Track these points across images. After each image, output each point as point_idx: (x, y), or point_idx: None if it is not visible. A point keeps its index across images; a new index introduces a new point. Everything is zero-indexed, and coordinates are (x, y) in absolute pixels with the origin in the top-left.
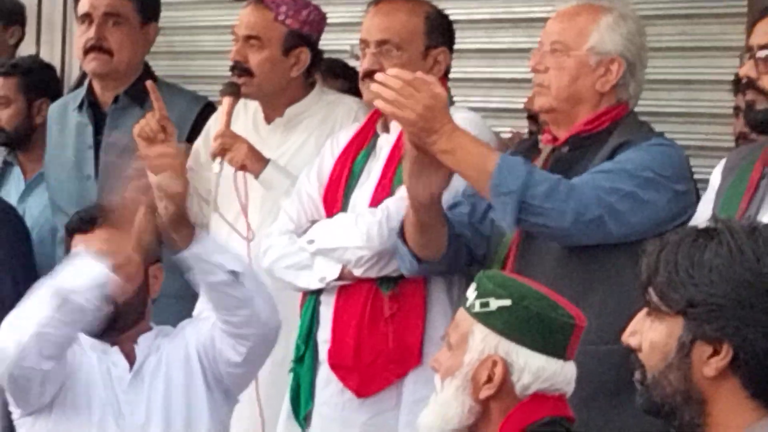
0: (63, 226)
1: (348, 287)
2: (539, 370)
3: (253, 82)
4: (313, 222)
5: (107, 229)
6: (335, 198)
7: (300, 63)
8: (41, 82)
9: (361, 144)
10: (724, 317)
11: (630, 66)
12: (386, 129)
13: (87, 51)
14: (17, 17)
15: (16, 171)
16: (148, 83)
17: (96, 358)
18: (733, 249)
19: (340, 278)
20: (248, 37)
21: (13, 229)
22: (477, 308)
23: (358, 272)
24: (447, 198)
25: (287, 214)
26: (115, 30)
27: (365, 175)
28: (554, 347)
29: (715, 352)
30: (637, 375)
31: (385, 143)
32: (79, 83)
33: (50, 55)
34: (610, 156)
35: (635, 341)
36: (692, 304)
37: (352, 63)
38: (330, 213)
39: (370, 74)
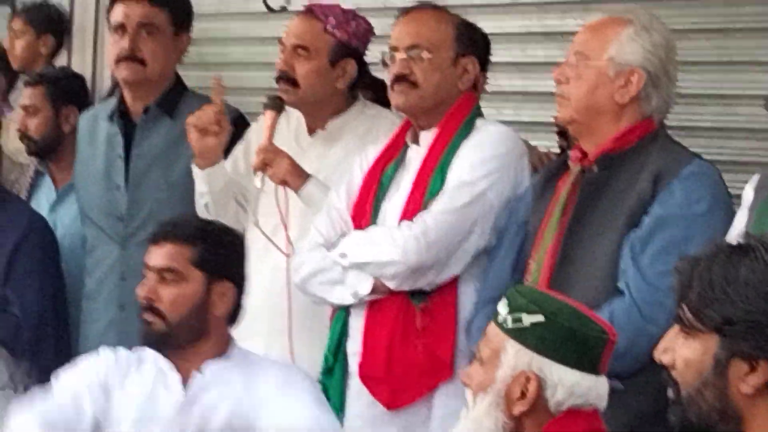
0: (92, 235)
1: (379, 299)
2: (573, 386)
3: (297, 92)
4: (343, 235)
5: (173, 244)
6: (363, 210)
7: (346, 75)
8: (69, 90)
9: (391, 156)
10: (762, 334)
11: (652, 78)
12: (416, 140)
13: (119, 60)
14: (52, 26)
15: (47, 180)
16: (214, 77)
17: (153, 375)
18: None
19: (372, 292)
20: (296, 47)
21: (42, 239)
22: (509, 324)
23: (392, 285)
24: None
25: (317, 229)
26: (149, 40)
27: (394, 187)
28: (588, 362)
29: (752, 369)
30: (671, 392)
31: (415, 155)
32: (110, 93)
33: (81, 64)
34: (653, 188)
35: (668, 358)
36: (728, 321)
37: (376, 73)
38: (358, 225)
39: (399, 79)
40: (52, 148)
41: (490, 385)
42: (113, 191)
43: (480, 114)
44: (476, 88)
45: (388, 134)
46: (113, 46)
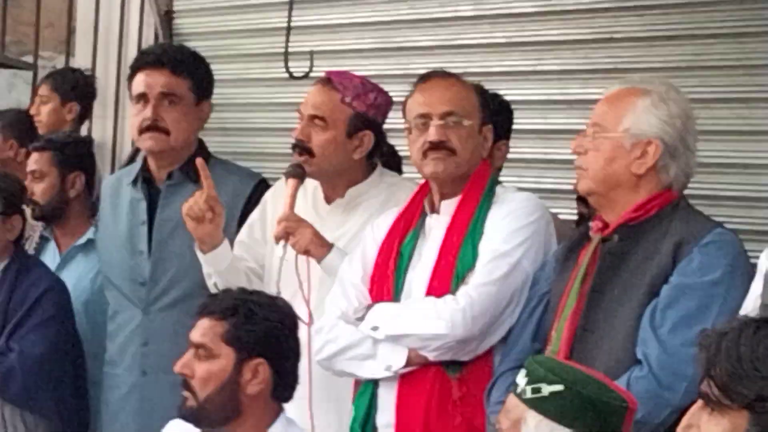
0: (114, 300)
1: (412, 371)
2: None
3: (313, 162)
4: (368, 307)
5: (208, 319)
6: (384, 282)
7: (363, 146)
8: (76, 156)
9: (408, 225)
10: None
11: (669, 149)
12: (434, 209)
13: (143, 130)
14: (78, 93)
15: (52, 245)
16: (198, 161)
17: None
18: None
19: (406, 364)
20: (313, 117)
21: (57, 298)
22: (528, 394)
23: (432, 357)
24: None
25: (333, 304)
26: (171, 109)
27: (416, 257)
28: (607, 431)
29: None
30: None
31: (436, 223)
32: (130, 160)
33: (102, 131)
34: (673, 257)
35: None
36: (762, 398)
37: (389, 138)
38: (379, 297)
39: (436, 146)
40: (57, 213)
41: None
42: (136, 256)
43: (498, 181)
44: (491, 155)
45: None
46: (136, 116)
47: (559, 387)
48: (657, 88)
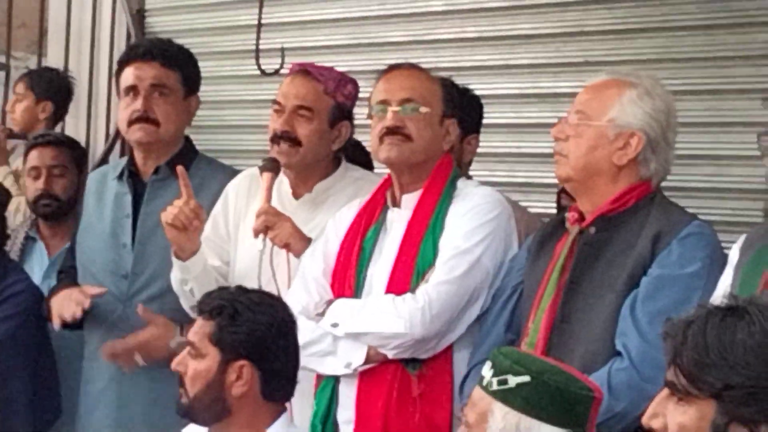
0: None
1: (372, 367)
2: None
3: (299, 152)
4: (329, 303)
5: (201, 318)
6: (345, 277)
7: (341, 137)
8: (84, 157)
9: (370, 219)
10: (764, 398)
11: (651, 143)
12: (395, 203)
13: (132, 122)
14: (52, 93)
15: (39, 246)
16: (179, 169)
17: None
18: (765, 328)
19: (366, 362)
20: (299, 107)
21: (26, 301)
22: (495, 386)
23: (391, 355)
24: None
25: (294, 299)
26: (161, 101)
27: (377, 252)
28: (575, 421)
29: None
30: None
31: (396, 218)
32: (103, 159)
33: (74, 130)
34: (652, 249)
35: (658, 423)
36: (729, 386)
37: (363, 134)
38: (341, 293)
39: (392, 131)
40: (67, 211)
41: None
42: (119, 250)
43: (460, 175)
44: (453, 149)
45: None
46: (124, 109)
47: (525, 378)
48: (644, 81)
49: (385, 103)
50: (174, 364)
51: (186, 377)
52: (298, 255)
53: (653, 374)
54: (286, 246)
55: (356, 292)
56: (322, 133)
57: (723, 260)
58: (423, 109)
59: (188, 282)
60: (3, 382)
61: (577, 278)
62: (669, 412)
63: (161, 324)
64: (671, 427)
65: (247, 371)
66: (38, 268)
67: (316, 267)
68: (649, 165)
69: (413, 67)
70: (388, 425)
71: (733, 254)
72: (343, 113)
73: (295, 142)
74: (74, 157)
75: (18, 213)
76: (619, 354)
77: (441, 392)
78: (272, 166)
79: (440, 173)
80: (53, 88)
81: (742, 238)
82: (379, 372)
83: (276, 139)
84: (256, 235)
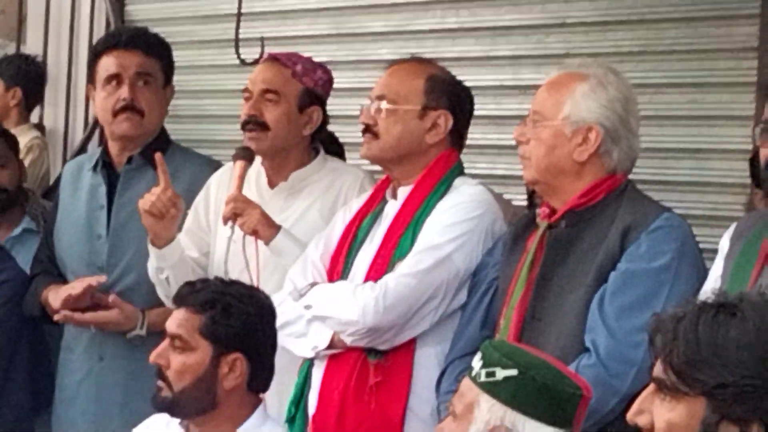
0: None
1: (339, 353)
2: None
3: (267, 136)
4: (311, 285)
5: (185, 310)
6: (336, 263)
7: (312, 122)
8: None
9: (368, 210)
10: (757, 397)
11: (610, 133)
12: (394, 195)
13: (118, 112)
14: (22, 80)
15: None
16: (157, 156)
17: None
18: (759, 326)
19: (330, 347)
20: (265, 91)
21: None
22: (483, 378)
23: (348, 342)
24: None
25: (290, 278)
26: (146, 90)
27: (368, 241)
28: (560, 418)
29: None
30: None
31: (391, 209)
32: (82, 147)
33: (54, 118)
34: (621, 243)
35: (644, 420)
36: (722, 385)
37: (342, 126)
38: (331, 277)
39: (365, 129)
40: (13, 203)
41: None
42: (94, 241)
43: (461, 172)
44: (463, 141)
45: (353, 188)
46: (107, 98)
47: (512, 372)
48: (595, 71)
49: (369, 98)
50: (153, 357)
51: (169, 371)
52: (267, 242)
53: (621, 370)
54: (255, 233)
55: (342, 278)
56: (290, 117)
57: (695, 253)
58: (383, 105)
59: (164, 270)
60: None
61: (547, 273)
62: (655, 408)
63: (126, 313)
64: (658, 425)
65: (240, 364)
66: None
67: (316, 252)
68: (611, 155)
69: (409, 61)
70: (344, 411)
71: (723, 244)
72: (312, 98)
73: (263, 126)
74: (11, 146)
75: None
76: (587, 350)
77: (397, 384)
78: (245, 155)
79: (436, 168)
80: (21, 74)
81: (732, 227)
82: (343, 358)
83: (245, 125)
84: (225, 222)
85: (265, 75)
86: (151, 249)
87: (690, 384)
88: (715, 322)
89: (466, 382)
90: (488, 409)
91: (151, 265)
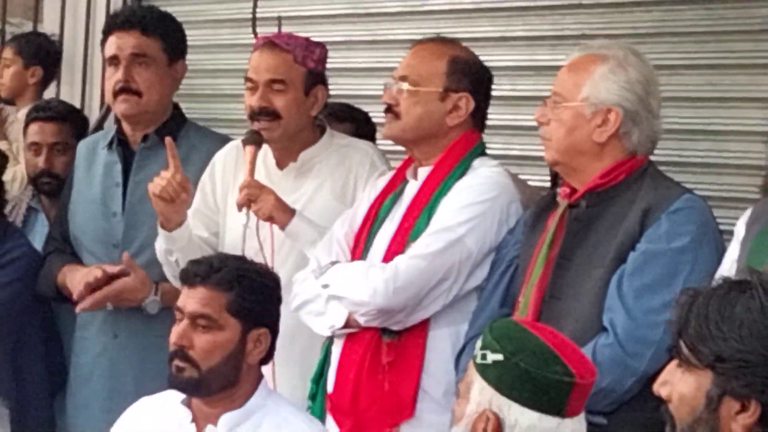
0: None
1: (356, 332)
2: (530, 428)
3: (280, 124)
4: (332, 263)
5: (207, 289)
6: (359, 241)
7: (318, 101)
8: (86, 127)
9: (390, 189)
10: (753, 373)
11: (630, 115)
12: (415, 176)
13: (117, 93)
14: (41, 57)
15: (41, 218)
16: (167, 140)
17: (168, 422)
18: (764, 304)
19: (345, 326)
20: (272, 81)
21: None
22: (478, 359)
23: (361, 322)
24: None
25: (314, 256)
26: (143, 70)
27: (389, 220)
28: (548, 404)
29: (743, 408)
30: (668, 429)
31: (410, 190)
32: (98, 125)
33: (70, 96)
34: (641, 223)
35: (666, 391)
36: (721, 358)
37: (358, 105)
38: (354, 256)
39: (386, 109)
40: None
41: (461, 419)
42: (109, 218)
43: (482, 153)
44: (484, 123)
45: (363, 165)
46: (109, 80)
47: (499, 356)
48: (615, 53)
49: (393, 78)
50: (175, 338)
51: (194, 350)
52: (282, 227)
53: (638, 350)
54: (270, 219)
55: (363, 257)
56: (299, 103)
57: (715, 235)
58: (405, 86)
59: (173, 253)
60: (17, 345)
61: (566, 253)
62: (676, 380)
63: (140, 277)
64: (673, 396)
65: (265, 339)
66: (39, 238)
67: (341, 230)
68: (632, 137)
69: (433, 41)
70: (358, 390)
71: (739, 228)
72: (315, 78)
73: (274, 115)
74: (76, 130)
75: (15, 182)
76: (605, 330)
77: (410, 365)
78: (255, 139)
79: (456, 149)
80: (42, 53)
81: (748, 212)
82: (359, 337)
83: (255, 115)
84: (240, 208)
85: (269, 63)
86: (161, 232)
87: (698, 357)
88: (726, 299)
89: (470, 363)
90: (479, 391)
91: (160, 246)
